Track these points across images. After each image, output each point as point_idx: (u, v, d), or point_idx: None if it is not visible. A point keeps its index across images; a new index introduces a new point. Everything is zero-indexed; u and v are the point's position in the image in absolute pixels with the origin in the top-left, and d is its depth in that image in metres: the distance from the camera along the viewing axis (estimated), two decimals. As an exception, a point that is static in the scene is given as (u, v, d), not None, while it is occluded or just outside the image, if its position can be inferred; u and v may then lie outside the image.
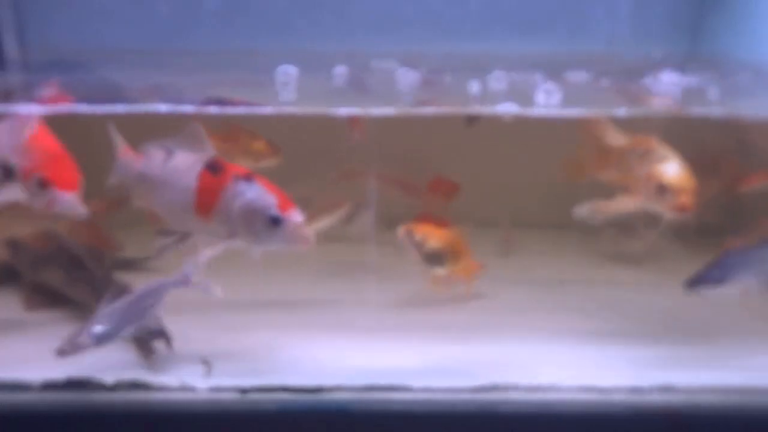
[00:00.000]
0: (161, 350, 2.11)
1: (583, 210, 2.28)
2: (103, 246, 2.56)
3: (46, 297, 2.40)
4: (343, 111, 2.26)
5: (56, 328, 2.28)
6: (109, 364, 2.05)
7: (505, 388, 1.99)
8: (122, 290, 2.20)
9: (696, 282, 1.97)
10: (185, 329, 2.18)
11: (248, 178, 1.93)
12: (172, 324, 2.14)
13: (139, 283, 2.26)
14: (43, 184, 1.88)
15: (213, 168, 1.95)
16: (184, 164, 1.98)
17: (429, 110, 2.31)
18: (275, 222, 1.88)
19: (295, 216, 1.89)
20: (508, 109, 2.23)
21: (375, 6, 2.88)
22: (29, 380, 1.95)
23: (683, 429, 1.95)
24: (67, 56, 2.84)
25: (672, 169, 2.11)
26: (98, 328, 1.92)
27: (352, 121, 2.64)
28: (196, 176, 1.95)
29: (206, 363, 2.07)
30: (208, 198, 1.93)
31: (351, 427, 1.96)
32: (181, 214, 1.99)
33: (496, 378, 2.01)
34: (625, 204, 2.21)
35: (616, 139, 2.33)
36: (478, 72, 2.42)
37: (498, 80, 2.37)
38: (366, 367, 2.09)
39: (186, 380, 1.98)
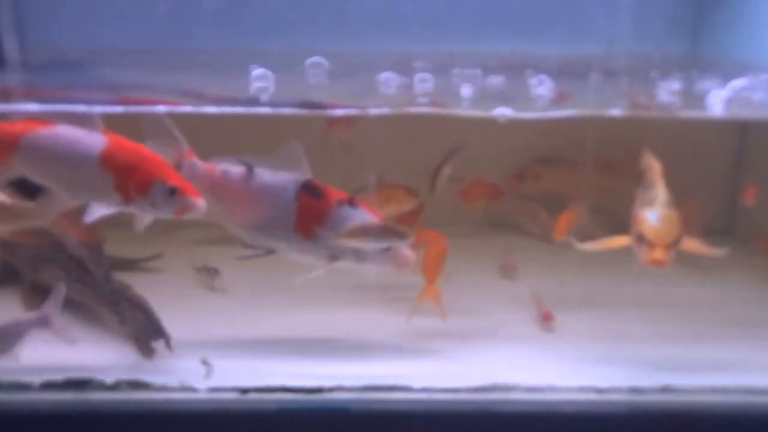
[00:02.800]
0: (161, 350, 2.10)
1: (583, 248, 2.24)
2: (89, 238, 2.51)
3: (46, 297, 2.39)
4: (339, 112, 2.28)
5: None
6: (109, 364, 2.05)
7: (505, 388, 1.99)
8: (122, 290, 2.21)
9: None
10: (185, 329, 2.19)
11: (351, 202, 2.01)
12: (171, 324, 2.14)
13: (138, 283, 2.27)
14: (174, 192, 1.84)
15: (312, 190, 2.00)
16: (276, 183, 2.02)
17: (424, 110, 2.31)
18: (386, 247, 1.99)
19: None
20: (503, 111, 2.24)
21: (375, 6, 2.88)
22: (29, 380, 1.95)
23: (683, 429, 1.95)
24: (67, 56, 2.84)
25: (653, 219, 1.99)
26: None
27: (331, 122, 2.64)
28: (294, 196, 2.00)
29: (206, 363, 2.07)
30: (309, 219, 1.99)
31: (351, 427, 1.96)
32: (271, 231, 2.03)
33: (496, 378, 2.01)
34: (617, 242, 2.14)
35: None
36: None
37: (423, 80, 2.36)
38: (367, 368, 2.10)
39: (186, 380, 1.98)
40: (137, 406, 1.93)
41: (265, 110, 2.17)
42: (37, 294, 2.41)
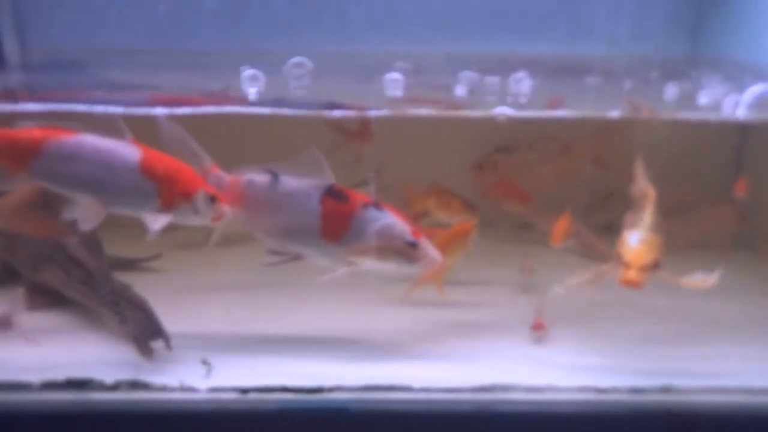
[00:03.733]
0: (161, 350, 2.11)
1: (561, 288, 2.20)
2: (46, 234, 2.49)
3: (46, 297, 2.40)
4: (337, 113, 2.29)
5: (56, 328, 2.29)
6: (109, 364, 2.05)
7: (505, 388, 1.99)
8: (122, 290, 2.22)
9: None
10: (185, 329, 2.19)
11: (376, 205, 2.03)
12: (171, 324, 2.14)
13: (138, 283, 2.27)
14: (214, 200, 1.96)
15: (335, 194, 2.03)
16: (300, 189, 2.05)
17: (424, 111, 2.32)
18: (412, 247, 2.00)
19: (425, 240, 2.03)
20: (504, 111, 2.25)
21: (375, 6, 2.88)
22: (29, 380, 1.95)
23: (683, 429, 1.96)
24: (67, 56, 2.84)
25: (633, 240, 2.01)
26: None
27: (353, 134, 2.66)
28: (318, 201, 2.02)
29: (206, 363, 2.07)
30: (335, 223, 2.01)
31: (351, 427, 1.96)
32: (297, 237, 2.05)
33: (496, 378, 2.01)
34: (593, 275, 2.13)
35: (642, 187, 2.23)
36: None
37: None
38: (367, 368, 2.10)
39: (186, 380, 1.98)
40: (137, 406, 1.93)
41: (160, 111, 2.19)
42: (37, 294, 2.42)
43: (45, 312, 2.37)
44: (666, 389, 2.00)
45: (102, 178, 1.93)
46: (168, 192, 1.93)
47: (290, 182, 2.06)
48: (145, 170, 1.93)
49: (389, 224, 2.01)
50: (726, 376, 2.06)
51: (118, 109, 2.16)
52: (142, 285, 2.25)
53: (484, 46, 2.87)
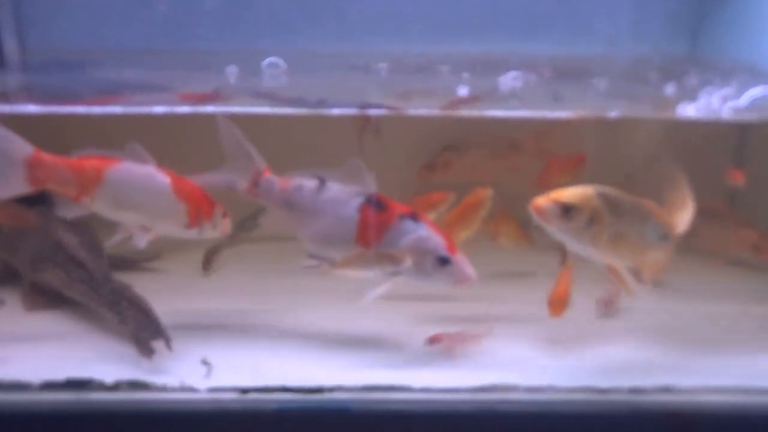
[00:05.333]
0: (161, 350, 2.10)
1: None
2: (19, 222, 2.44)
3: (46, 297, 2.40)
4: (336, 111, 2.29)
5: (56, 328, 2.29)
6: (109, 364, 2.05)
7: (505, 388, 1.99)
8: (122, 290, 2.22)
9: None
10: (185, 329, 2.19)
11: (414, 216, 2.04)
12: (172, 324, 2.14)
13: (138, 283, 2.27)
14: (225, 216, 2.19)
15: (375, 203, 2.04)
16: (342, 196, 2.07)
17: (423, 110, 2.32)
18: (444, 262, 2.00)
19: (461, 255, 2.02)
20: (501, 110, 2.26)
21: (375, 6, 2.88)
22: (29, 380, 1.95)
23: (683, 429, 1.96)
24: (67, 56, 2.84)
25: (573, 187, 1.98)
26: None
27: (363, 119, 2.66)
28: (357, 209, 2.04)
29: (206, 363, 2.07)
30: (369, 232, 2.04)
31: (351, 427, 1.96)
32: (335, 243, 2.08)
33: (496, 378, 2.01)
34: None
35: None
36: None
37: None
38: (368, 368, 2.10)
39: (186, 380, 1.98)
40: (137, 406, 1.93)
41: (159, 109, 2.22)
42: (37, 294, 2.42)
43: (45, 312, 2.38)
44: (666, 389, 2.00)
45: (149, 202, 2.07)
46: (195, 210, 2.10)
47: (334, 188, 2.09)
48: (177, 192, 2.08)
49: (423, 237, 2.01)
50: (726, 375, 2.07)
51: (117, 109, 2.17)
52: (142, 285, 2.25)
53: (483, 46, 2.87)
